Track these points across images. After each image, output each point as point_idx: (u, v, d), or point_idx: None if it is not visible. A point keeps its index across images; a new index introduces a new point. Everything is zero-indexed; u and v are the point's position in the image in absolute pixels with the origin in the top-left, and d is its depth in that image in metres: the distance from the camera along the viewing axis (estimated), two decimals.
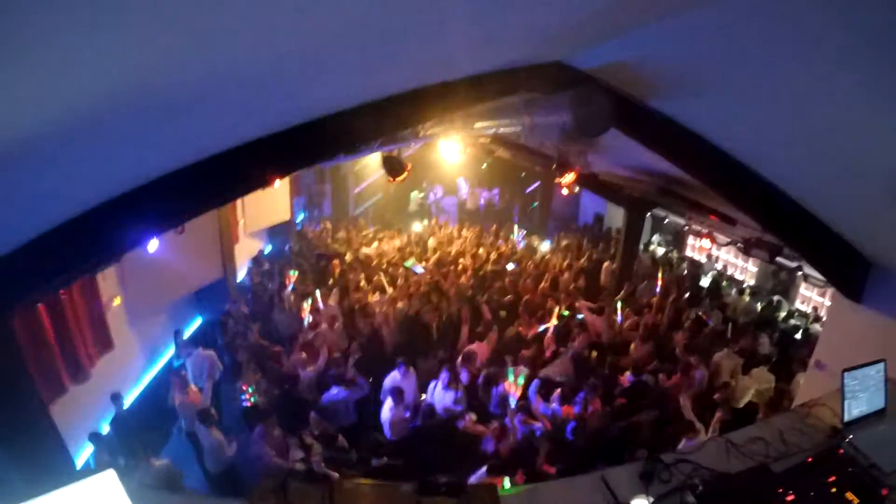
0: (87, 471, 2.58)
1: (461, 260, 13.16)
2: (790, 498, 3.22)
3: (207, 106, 3.20)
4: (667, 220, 16.76)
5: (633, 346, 9.14)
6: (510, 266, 13.29)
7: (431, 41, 3.51)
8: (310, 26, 2.53)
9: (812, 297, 12.76)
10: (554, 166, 7.85)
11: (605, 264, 13.91)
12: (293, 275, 10.85)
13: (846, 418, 4.00)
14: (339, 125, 4.55)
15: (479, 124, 6.54)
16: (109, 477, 2.54)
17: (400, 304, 10.10)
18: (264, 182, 5.00)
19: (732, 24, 3.49)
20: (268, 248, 15.62)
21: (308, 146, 4.68)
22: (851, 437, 3.87)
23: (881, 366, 4.18)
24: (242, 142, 4.48)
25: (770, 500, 3.22)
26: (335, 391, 7.67)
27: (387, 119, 4.80)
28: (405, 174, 7.63)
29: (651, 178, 9.57)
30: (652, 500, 3.13)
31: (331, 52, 3.02)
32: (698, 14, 3.46)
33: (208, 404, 7.43)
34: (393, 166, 7.56)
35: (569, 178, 7.77)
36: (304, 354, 8.36)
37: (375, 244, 15.54)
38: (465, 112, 6.61)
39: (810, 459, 3.63)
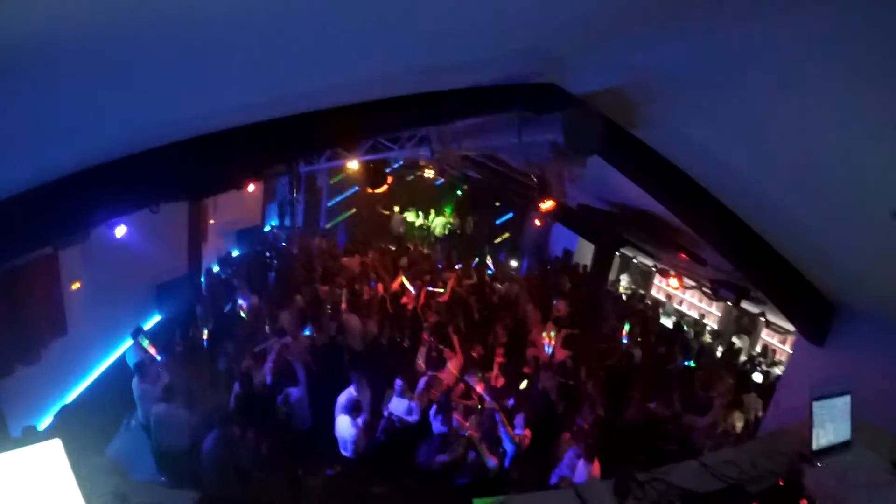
0: (32, 437, 2.43)
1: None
2: None
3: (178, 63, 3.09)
4: (634, 260, 16.98)
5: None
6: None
7: (427, 47, 3.53)
8: None
9: (773, 343, 12.97)
10: (536, 192, 7.94)
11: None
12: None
13: (815, 447, 4.10)
14: (326, 122, 4.52)
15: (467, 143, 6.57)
16: (54, 446, 2.43)
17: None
18: (238, 181, 4.93)
19: (720, 53, 3.59)
20: (235, 251, 15.35)
21: (289, 141, 4.62)
22: (820, 464, 4.01)
23: (847, 398, 4.33)
24: (221, 128, 4.41)
25: None
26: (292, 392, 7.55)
27: (372, 122, 4.79)
28: (384, 186, 7.61)
29: (626, 214, 9.71)
30: None
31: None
32: (689, 42, 3.55)
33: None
34: (373, 176, 7.53)
35: (547, 204, 7.84)
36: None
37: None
38: (455, 131, 6.67)
39: (781, 482, 3.69)
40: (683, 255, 9.17)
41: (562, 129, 4.01)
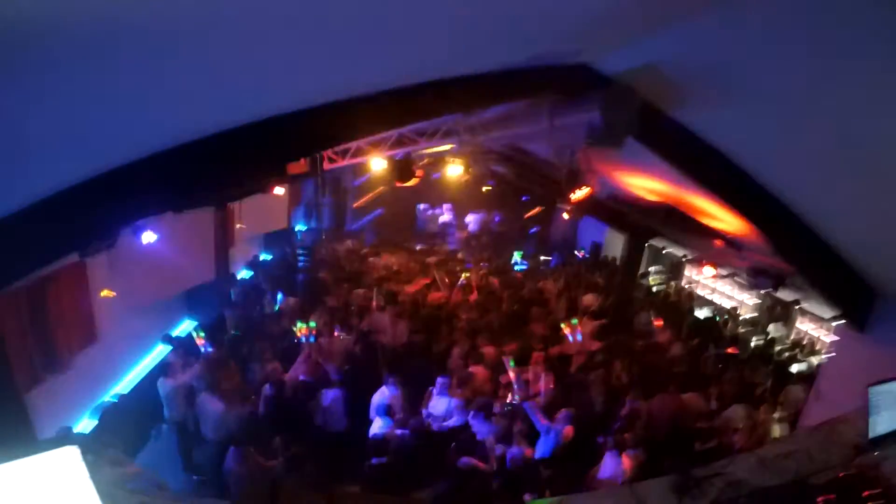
0: (48, 443, 2.33)
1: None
2: None
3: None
4: (665, 251, 16.61)
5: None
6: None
7: (455, 28, 3.33)
8: None
9: (808, 332, 12.54)
10: (565, 183, 7.69)
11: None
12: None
13: (872, 434, 3.79)
14: (348, 113, 4.34)
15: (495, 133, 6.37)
16: (71, 453, 2.32)
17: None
18: (263, 180, 4.78)
19: (764, 26, 3.34)
20: (263, 255, 15.35)
21: (312, 134, 4.44)
22: (878, 453, 3.72)
23: None
24: (245, 122, 4.26)
25: None
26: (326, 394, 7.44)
27: (398, 111, 4.59)
28: (414, 179, 7.43)
29: (659, 201, 9.40)
30: None
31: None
32: (732, 13, 3.31)
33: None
34: (401, 170, 7.36)
35: (580, 193, 7.60)
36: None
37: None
38: (483, 121, 6.47)
39: (841, 475, 3.46)
40: (719, 242, 8.83)
41: (600, 110, 3.78)
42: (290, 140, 4.45)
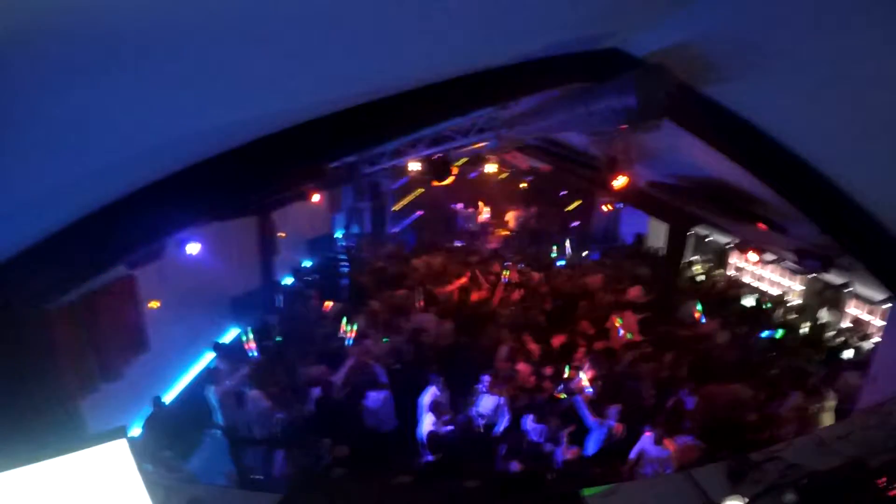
0: (97, 438, 2.41)
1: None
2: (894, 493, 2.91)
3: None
4: (708, 239, 16.26)
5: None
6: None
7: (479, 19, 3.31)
8: None
9: (861, 316, 12.09)
10: (604, 172, 7.60)
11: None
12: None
13: None
14: (383, 111, 4.35)
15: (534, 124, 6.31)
16: (120, 447, 2.39)
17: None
18: (302, 186, 4.80)
19: None
20: (306, 262, 15.58)
21: (348, 135, 4.48)
22: None
23: None
24: (283, 127, 4.31)
25: (873, 495, 2.90)
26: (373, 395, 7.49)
27: (431, 107, 4.59)
28: (450, 178, 7.44)
29: (698, 187, 9.20)
30: (747, 500, 2.81)
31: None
32: None
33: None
34: (437, 169, 7.38)
35: (620, 181, 7.49)
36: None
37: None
38: (517, 114, 6.42)
39: None
40: (762, 226, 8.58)
41: (634, 92, 3.71)
42: (327, 143, 4.50)
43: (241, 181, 4.68)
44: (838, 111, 4.22)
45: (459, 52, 3.98)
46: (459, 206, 21.61)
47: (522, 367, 8.26)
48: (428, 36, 3.38)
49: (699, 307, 11.12)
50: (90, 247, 4.24)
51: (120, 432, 2.42)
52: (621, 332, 9.46)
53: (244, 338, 8.52)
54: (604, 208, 18.42)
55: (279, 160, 4.54)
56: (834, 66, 3.73)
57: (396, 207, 21.04)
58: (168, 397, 8.29)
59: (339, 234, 18.61)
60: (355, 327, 9.22)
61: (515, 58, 4.38)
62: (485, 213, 21.56)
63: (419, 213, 21.19)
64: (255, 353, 8.23)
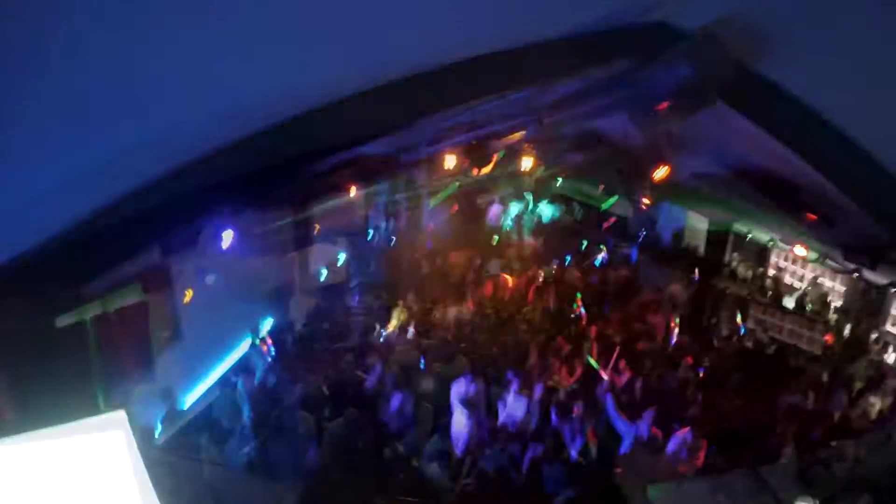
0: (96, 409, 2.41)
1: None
2: None
3: None
4: (749, 237, 15.74)
5: None
6: None
7: None
8: None
9: None
10: (645, 164, 7.37)
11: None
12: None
13: None
14: (420, 86, 4.18)
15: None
16: (119, 417, 2.44)
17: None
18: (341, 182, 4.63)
19: None
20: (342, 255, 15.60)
21: (387, 111, 4.30)
22: None
23: None
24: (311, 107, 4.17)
25: None
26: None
27: (475, 83, 4.40)
28: (491, 164, 7.30)
29: (744, 177, 8.87)
30: (818, 501, 2.61)
31: None
32: None
33: None
34: (478, 155, 7.23)
35: (661, 172, 7.24)
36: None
37: None
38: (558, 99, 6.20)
39: None
40: (811, 216, 8.24)
41: (690, 64, 3.47)
42: (359, 123, 4.37)
43: (273, 168, 4.61)
44: None
45: (494, 26, 3.81)
46: (494, 203, 21.39)
47: (554, 367, 8.10)
48: (461, 7, 3.22)
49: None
50: (123, 231, 4.20)
51: (119, 407, 2.40)
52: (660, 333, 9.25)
53: (265, 337, 8.67)
54: (643, 203, 18.02)
55: (315, 141, 4.42)
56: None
57: (432, 203, 20.88)
58: (202, 387, 8.34)
59: (374, 229, 18.54)
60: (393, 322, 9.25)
61: (556, 32, 4.19)
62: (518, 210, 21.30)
63: (453, 208, 21.01)
64: (273, 351, 8.22)
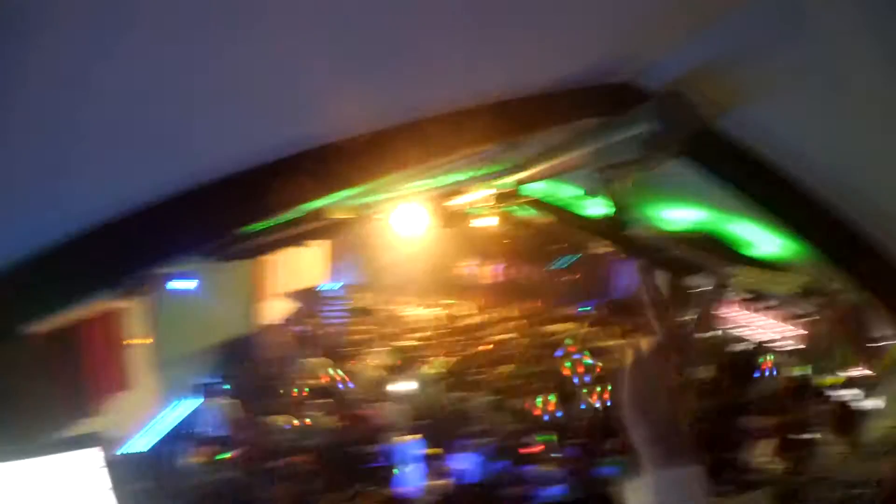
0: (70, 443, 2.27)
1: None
2: None
3: None
4: (699, 288, 16.08)
5: None
6: None
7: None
8: None
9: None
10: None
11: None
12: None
13: None
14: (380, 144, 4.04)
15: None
16: (94, 456, 2.37)
17: None
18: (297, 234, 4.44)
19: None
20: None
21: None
22: None
23: None
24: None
25: None
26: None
27: (440, 139, 4.35)
28: (462, 223, 7.30)
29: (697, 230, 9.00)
30: None
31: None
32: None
33: None
34: (450, 214, 7.20)
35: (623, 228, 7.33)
36: None
37: None
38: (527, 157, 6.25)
39: None
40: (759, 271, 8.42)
41: (657, 115, 3.51)
42: (315, 177, 4.22)
43: (228, 214, 4.43)
44: (867, 146, 4.01)
45: (459, 84, 3.77)
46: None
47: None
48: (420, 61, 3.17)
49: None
50: (75, 270, 3.94)
51: (92, 440, 2.28)
52: None
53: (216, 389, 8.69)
54: (600, 259, 18.29)
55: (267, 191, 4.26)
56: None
57: (388, 259, 20.81)
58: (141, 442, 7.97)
59: (328, 287, 18.26)
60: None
61: (520, 90, 4.20)
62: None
63: (408, 264, 20.96)
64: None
